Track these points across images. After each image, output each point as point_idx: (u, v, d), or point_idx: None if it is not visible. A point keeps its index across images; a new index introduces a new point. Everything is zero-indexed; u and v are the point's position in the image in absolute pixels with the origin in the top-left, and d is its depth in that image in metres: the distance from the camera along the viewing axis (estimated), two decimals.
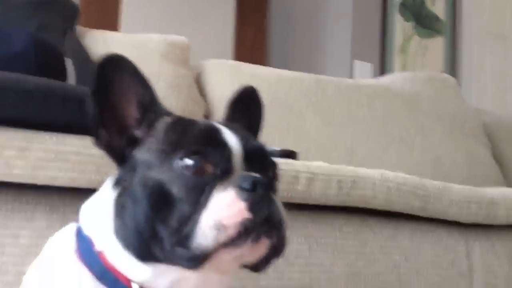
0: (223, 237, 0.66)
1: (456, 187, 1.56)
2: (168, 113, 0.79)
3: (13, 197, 1.08)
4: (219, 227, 0.66)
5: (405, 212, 1.47)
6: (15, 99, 1.00)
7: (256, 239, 0.68)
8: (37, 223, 1.08)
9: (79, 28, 2.18)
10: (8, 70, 1.21)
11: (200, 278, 0.73)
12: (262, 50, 3.84)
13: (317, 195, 1.33)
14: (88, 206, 0.81)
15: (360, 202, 1.39)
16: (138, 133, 0.77)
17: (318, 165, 1.35)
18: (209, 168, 0.70)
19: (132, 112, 0.78)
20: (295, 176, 1.30)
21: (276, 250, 0.71)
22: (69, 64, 1.43)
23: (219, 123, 0.79)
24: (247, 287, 1.24)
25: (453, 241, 1.55)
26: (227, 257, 0.68)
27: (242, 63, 2.65)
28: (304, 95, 2.52)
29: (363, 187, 1.39)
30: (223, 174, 0.70)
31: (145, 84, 0.78)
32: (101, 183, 1.02)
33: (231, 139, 0.74)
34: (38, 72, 1.23)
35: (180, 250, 0.68)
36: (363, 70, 3.56)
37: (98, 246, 0.75)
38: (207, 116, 2.42)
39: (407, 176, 1.49)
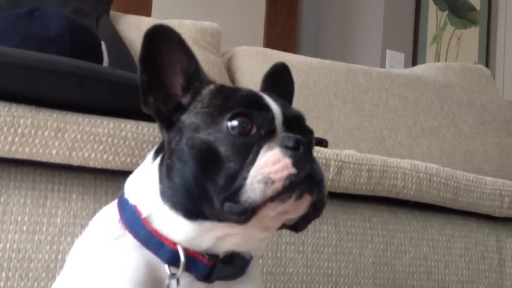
0: (270, 191, 0.70)
1: (489, 179, 1.53)
2: (212, 82, 0.84)
3: (49, 177, 1.09)
4: (267, 181, 0.70)
5: (435, 203, 1.46)
6: (50, 80, 1.01)
7: (300, 195, 0.72)
8: (72, 203, 1.09)
9: (113, 13, 2.20)
10: (43, 52, 1.23)
11: (243, 235, 0.77)
12: (293, 37, 3.82)
13: (346, 184, 1.32)
14: (132, 178, 0.85)
15: (390, 192, 1.38)
16: (184, 100, 0.82)
17: (348, 153, 1.34)
18: (254, 129, 0.74)
19: (178, 80, 0.82)
20: (325, 164, 1.29)
21: (316, 209, 0.76)
22: (104, 47, 1.44)
23: (259, 91, 0.83)
24: (275, 273, 1.25)
25: (484, 235, 1.53)
26: (273, 212, 0.72)
27: (272, 50, 2.64)
28: (334, 84, 2.51)
29: (393, 176, 1.37)
30: (267, 135, 0.75)
31: (190, 54, 0.83)
32: (133, 165, 1.04)
33: (273, 104, 0.78)
34: (73, 54, 1.25)
35: (229, 205, 0.71)
36: (395, 60, 3.52)
37: (144, 212, 0.79)
38: None
39: (439, 167, 1.47)
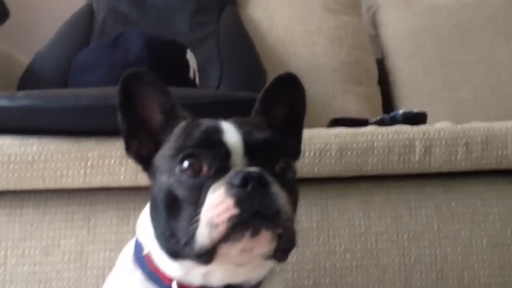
0: (216, 234, 0.69)
1: None
2: (186, 117, 0.83)
3: (131, 196, 1.20)
4: (211, 224, 0.69)
5: None
6: (104, 115, 1.09)
7: (256, 232, 0.69)
8: None
9: None
10: None
11: (225, 270, 0.76)
12: None
13: (439, 163, 1.18)
14: (142, 214, 0.89)
15: (499, 163, 1.20)
16: (162, 139, 0.82)
17: (438, 128, 1.19)
18: (205, 168, 0.73)
19: (157, 120, 0.83)
20: (408, 146, 1.17)
21: (286, 240, 0.72)
22: (190, 56, 1.49)
23: (228, 120, 0.80)
24: (366, 266, 1.20)
25: None
26: (232, 251, 0.71)
27: None
28: (492, 21, 2.22)
29: (501, 146, 1.19)
30: (219, 173, 0.72)
31: (165, 92, 0.83)
32: None
33: (231, 136, 0.75)
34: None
35: (188, 249, 0.72)
36: None
37: (146, 249, 0.83)
38: (381, 59, 2.30)
39: None
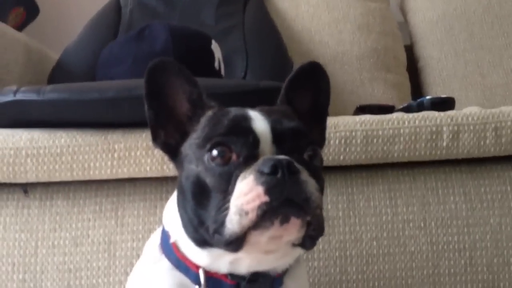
0: (246, 222, 0.69)
1: None
2: (212, 106, 0.83)
3: (158, 186, 1.21)
4: (241, 212, 0.69)
5: None
6: (129, 106, 1.11)
7: (286, 219, 0.69)
8: None
9: None
10: None
11: (253, 258, 0.77)
12: None
13: (467, 148, 1.16)
14: (168, 203, 0.90)
15: None
16: (189, 129, 0.83)
17: (467, 113, 1.17)
18: (234, 156, 0.73)
19: (183, 109, 0.84)
20: (435, 132, 1.16)
21: (314, 228, 0.72)
22: (215, 46, 1.50)
23: (255, 109, 0.80)
24: (393, 254, 1.19)
25: None
26: (262, 239, 0.71)
27: None
28: None
29: None
30: (248, 161, 0.73)
31: (191, 81, 0.83)
32: None
33: (260, 124, 0.76)
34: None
35: (217, 237, 0.72)
36: None
37: (173, 238, 0.84)
38: (410, 45, 2.26)
39: None
